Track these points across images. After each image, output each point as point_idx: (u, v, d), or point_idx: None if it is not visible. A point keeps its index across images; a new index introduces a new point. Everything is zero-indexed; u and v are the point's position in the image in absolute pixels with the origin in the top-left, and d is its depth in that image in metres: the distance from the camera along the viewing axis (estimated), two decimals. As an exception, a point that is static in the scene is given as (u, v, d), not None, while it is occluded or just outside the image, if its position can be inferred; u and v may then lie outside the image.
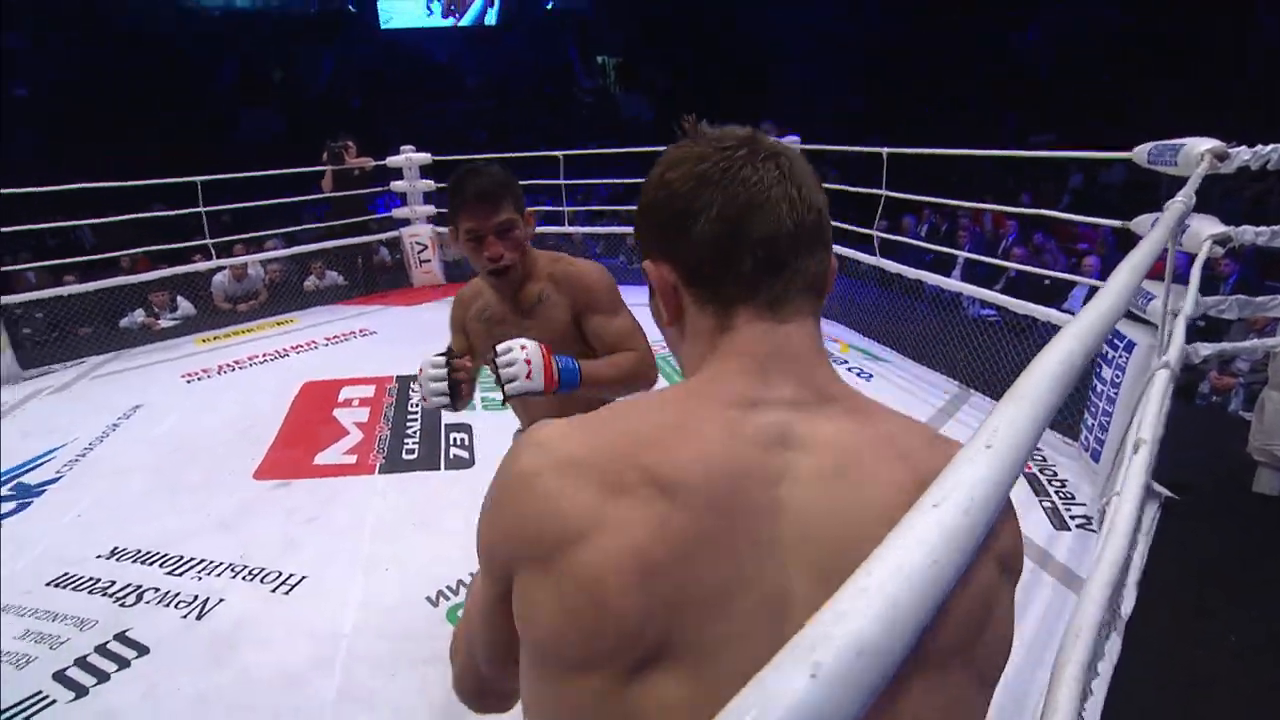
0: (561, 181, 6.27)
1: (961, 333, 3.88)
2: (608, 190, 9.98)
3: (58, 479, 3.17)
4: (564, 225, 6.64)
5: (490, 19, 18.68)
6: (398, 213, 6.54)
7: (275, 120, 16.23)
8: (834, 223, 3.58)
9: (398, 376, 4.11)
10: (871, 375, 3.97)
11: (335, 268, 6.51)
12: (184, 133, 14.48)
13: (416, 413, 3.64)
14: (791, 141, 5.42)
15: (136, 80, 15.69)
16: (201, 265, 5.92)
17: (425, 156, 6.45)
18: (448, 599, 2.27)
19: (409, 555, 2.50)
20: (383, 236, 6.76)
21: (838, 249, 4.85)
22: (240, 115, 16.40)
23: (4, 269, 5.21)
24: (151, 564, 2.51)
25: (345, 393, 3.91)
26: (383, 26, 18.57)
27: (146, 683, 2.00)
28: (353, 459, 3.18)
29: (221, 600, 2.31)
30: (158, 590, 2.37)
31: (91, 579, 2.45)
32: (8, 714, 1.89)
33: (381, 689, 1.93)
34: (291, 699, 1.90)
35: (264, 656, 2.06)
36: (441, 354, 1.48)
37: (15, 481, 3.15)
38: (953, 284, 4.08)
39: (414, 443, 3.32)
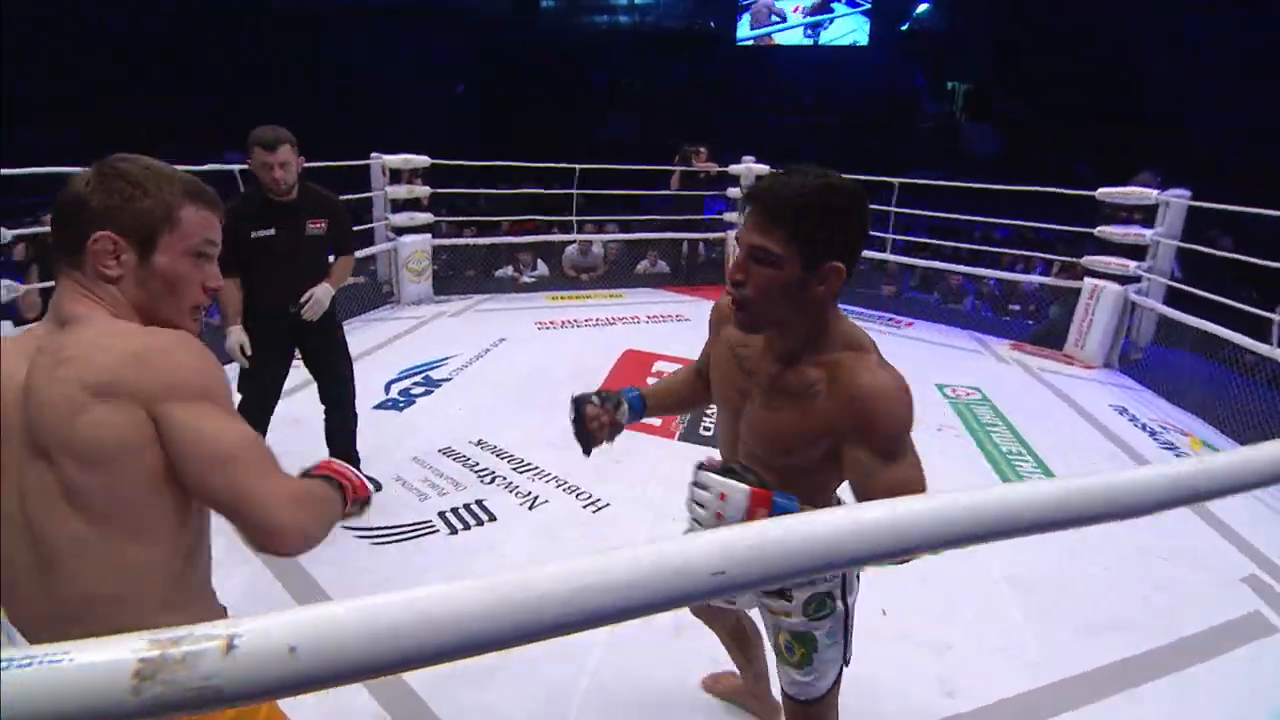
0: (891, 209, 6.22)
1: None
2: (936, 222, 9.52)
3: (450, 379, 4.19)
4: (884, 252, 6.56)
5: (861, 39, 18.75)
6: (728, 216, 7.10)
7: (634, 122, 18.42)
8: (1219, 297, 3.12)
9: (702, 361, 4.55)
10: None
11: (665, 257, 7.29)
12: (564, 127, 17.27)
13: (714, 396, 4.02)
14: (1177, 196, 4.68)
15: (536, 82, 19.07)
16: (557, 237, 7.16)
17: (764, 168, 6.89)
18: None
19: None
20: (709, 236, 7.40)
21: (1214, 328, 4.11)
22: (608, 116, 18.97)
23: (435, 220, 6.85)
24: (503, 458, 3.23)
25: (658, 365, 4.47)
26: (738, 42, 19.74)
27: (491, 540, 2.63)
28: (658, 422, 3.65)
29: (546, 501, 2.90)
30: (505, 479, 3.05)
31: (464, 456, 3.24)
32: (414, 526, 2.64)
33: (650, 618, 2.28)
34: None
35: (568, 550, 2.56)
36: (581, 397, 1.39)
37: (425, 374, 4.24)
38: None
39: (710, 422, 3.69)
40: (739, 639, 1.74)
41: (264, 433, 2.52)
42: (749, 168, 6.85)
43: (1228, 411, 3.95)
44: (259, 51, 17.50)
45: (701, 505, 1.04)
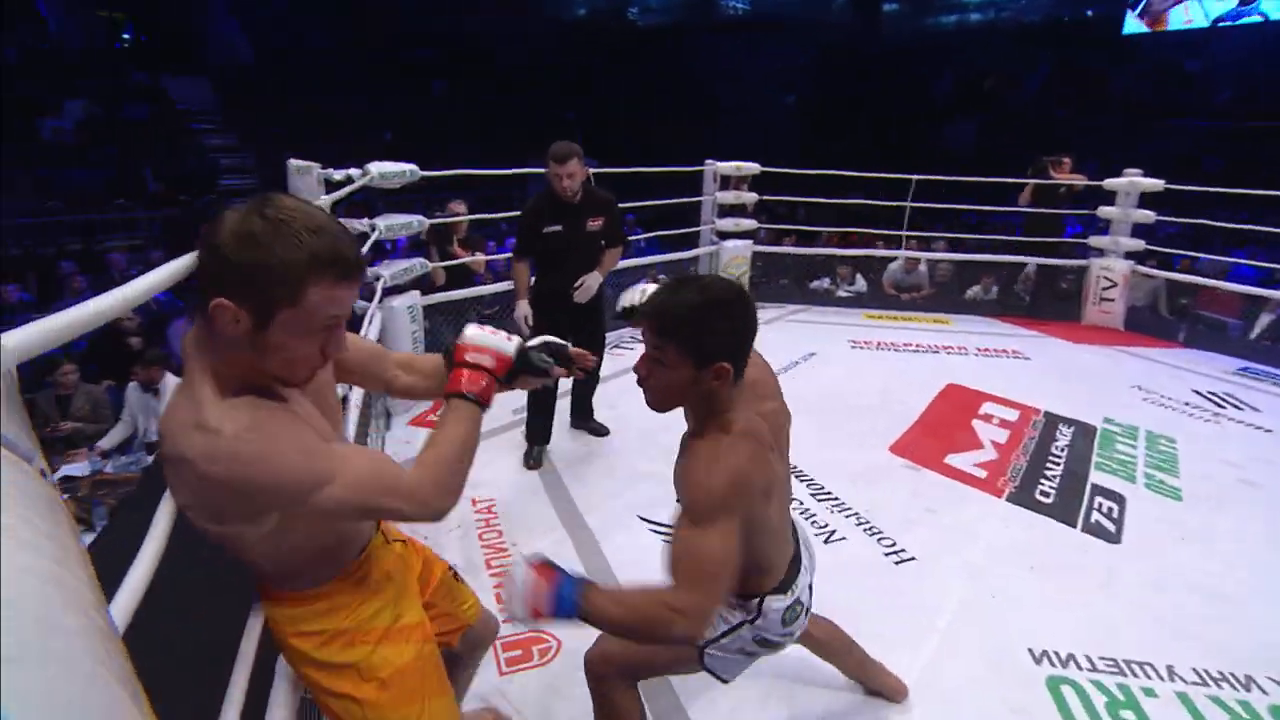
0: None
1: None
2: None
3: (755, 387, 4.15)
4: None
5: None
6: (1094, 241, 5.93)
7: (971, 131, 16.59)
8: None
9: (1046, 412, 3.84)
10: None
11: (1002, 282, 6.39)
12: (899, 137, 16.30)
13: (1060, 458, 3.34)
14: None
15: (871, 91, 18.28)
16: (882, 251, 6.68)
17: (1156, 184, 5.58)
18: (1052, 665, 2.06)
19: (1018, 592, 2.37)
20: (1066, 262, 6.27)
21: None
22: (945, 125, 17.40)
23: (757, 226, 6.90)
24: (802, 481, 3.07)
25: (988, 407, 3.88)
26: (1125, 31, 16.44)
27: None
28: (982, 474, 3.15)
29: (844, 539, 2.67)
30: (803, 504, 2.89)
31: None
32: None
33: (952, 700, 1.92)
34: (873, 654, 2.07)
35: (862, 604, 2.30)
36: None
37: (730, 378, 4.26)
38: None
39: (1051, 486, 3.07)
40: (825, 649, 1.90)
41: (553, 397, 3.19)
42: (1132, 182, 5.61)
43: None
44: (618, 65, 19.70)
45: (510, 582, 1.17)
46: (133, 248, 8.22)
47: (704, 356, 1.18)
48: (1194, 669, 2.07)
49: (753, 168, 5.99)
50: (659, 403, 1.27)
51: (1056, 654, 2.11)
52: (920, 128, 17.30)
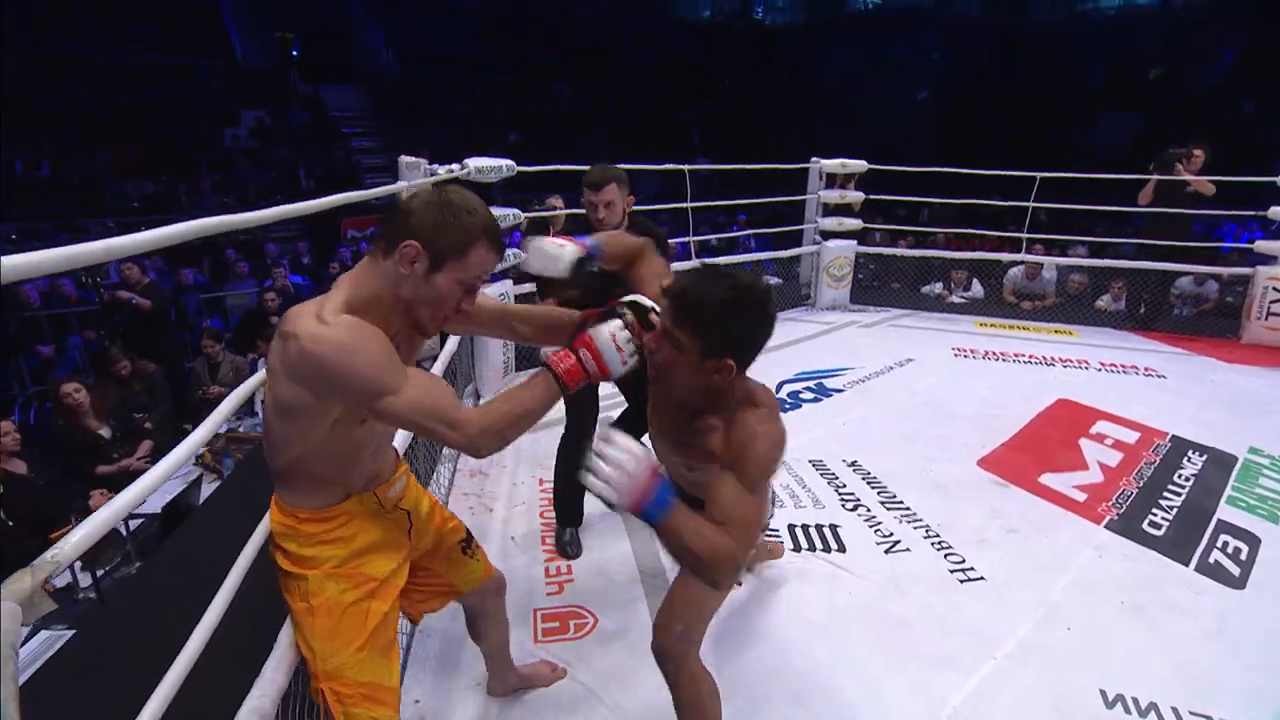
0: None
1: None
2: None
3: (842, 390, 4.01)
4: None
5: None
6: (1260, 246, 5.18)
7: (1134, 123, 14.91)
8: None
9: (1173, 436, 3.41)
10: None
11: (1139, 290, 5.70)
12: (1044, 132, 15.02)
13: (1183, 489, 2.97)
14: None
15: (1014, 84, 16.95)
16: (1000, 255, 6.18)
17: (1343, 181, 4.80)
18: (1128, 712, 1.84)
19: (1101, 630, 2.14)
20: (1224, 271, 5.54)
21: None
22: (1099, 118, 15.80)
23: (866, 227, 6.62)
24: (874, 487, 2.93)
25: (1101, 426, 3.51)
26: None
27: (832, 572, 2.40)
28: (1081, 496, 2.86)
29: (908, 550, 2.52)
30: (869, 510, 2.76)
31: (832, 474, 3.03)
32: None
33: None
34: (912, 674, 1.95)
35: (917, 620, 2.17)
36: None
37: (818, 381, 4.14)
38: None
39: (1165, 517, 2.73)
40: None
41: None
42: (1317, 181, 4.84)
43: None
44: (743, 65, 19.53)
45: (603, 459, 1.13)
46: (285, 239, 9.19)
47: (713, 349, 1.23)
48: (1308, 734, 1.78)
49: (859, 165, 5.76)
50: (660, 376, 1.32)
51: (1135, 700, 1.88)
52: (1069, 123, 15.83)
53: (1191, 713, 1.85)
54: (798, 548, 2.51)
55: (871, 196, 6.01)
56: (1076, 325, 5.49)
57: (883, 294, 6.30)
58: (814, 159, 5.88)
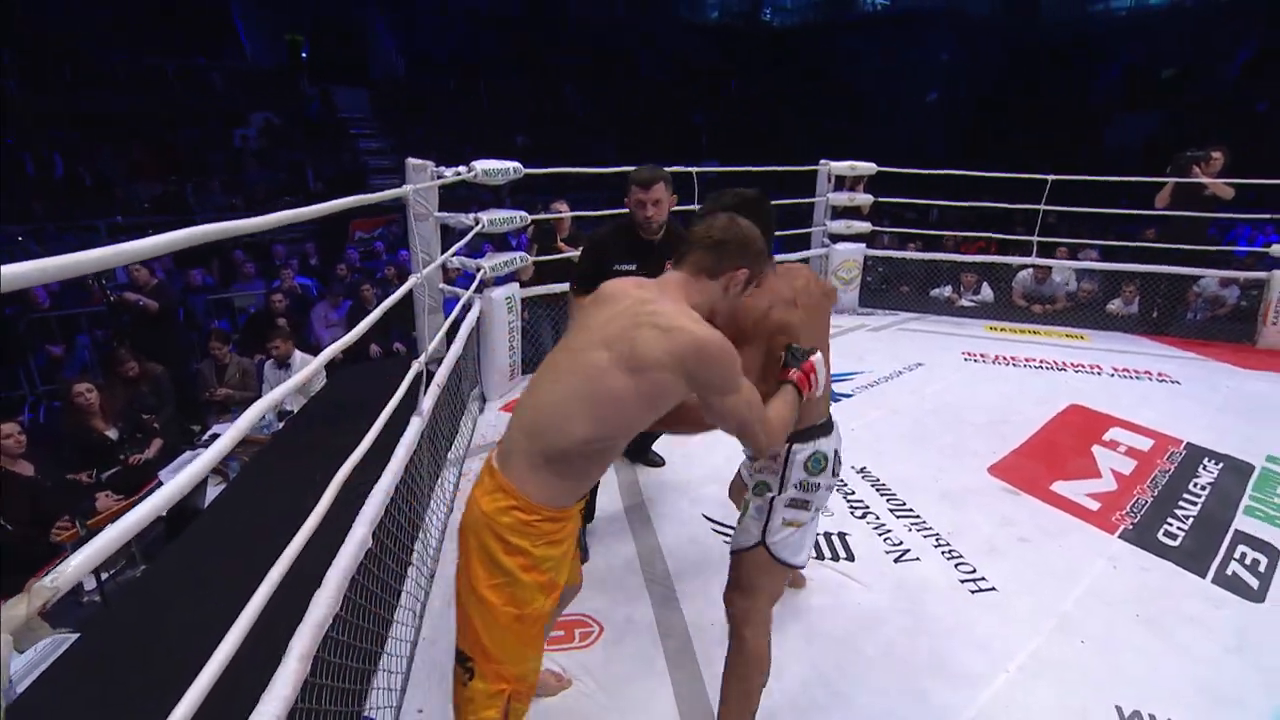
0: None
1: None
2: None
3: (851, 395, 3.97)
4: None
5: None
6: (1277, 250, 5.11)
7: (1152, 124, 14.78)
8: None
9: (1188, 444, 3.37)
10: None
11: (1152, 294, 5.62)
12: (1061, 133, 14.92)
13: (1199, 497, 2.92)
14: None
15: (1030, 84, 16.85)
16: (1008, 259, 6.14)
17: (1362, 185, 4.73)
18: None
19: (1117, 643, 2.10)
20: (1240, 275, 5.47)
21: None
22: (1115, 118, 15.68)
23: (874, 229, 6.57)
24: (883, 495, 2.89)
25: (1114, 433, 3.46)
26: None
27: (841, 581, 2.36)
28: (1094, 505, 2.82)
29: (917, 559, 2.48)
30: (878, 519, 2.72)
31: (841, 480, 2.99)
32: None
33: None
34: (923, 682, 1.93)
35: (920, 627, 2.13)
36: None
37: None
38: None
39: (1181, 527, 2.69)
40: None
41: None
42: (1337, 186, 4.77)
43: None
44: (752, 67, 19.48)
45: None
46: (293, 240, 9.20)
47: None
48: (1329, 753, 1.74)
49: (868, 168, 5.72)
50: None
51: (1152, 717, 1.85)
52: (1082, 125, 15.70)
53: (1209, 729, 1.81)
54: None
55: (880, 199, 5.98)
56: (1088, 329, 5.43)
57: (892, 297, 6.26)
58: (822, 161, 5.84)
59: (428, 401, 2.18)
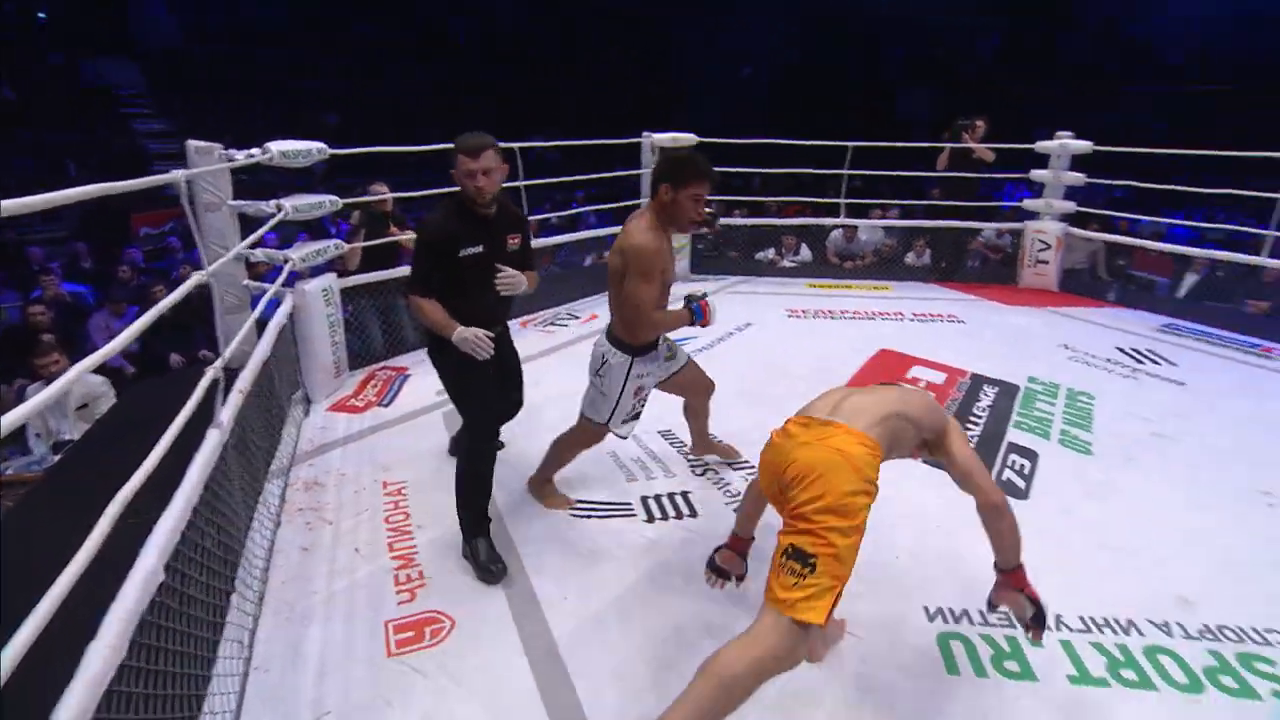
0: (1274, 195, 4.67)
1: None
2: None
3: (684, 360, 4.13)
4: (1261, 255, 4.96)
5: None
6: (1028, 204, 5.98)
7: (926, 99, 16.63)
8: None
9: (972, 374, 3.87)
10: None
11: (940, 247, 6.38)
12: (857, 105, 16.29)
13: (980, 419, 3.38)
14: None
15: (828, 61, 18.21)
16: (821, 220, 6.68)
17: (1085, 145, 5.63)
18: (945, 622, 2.08)
19: (923, 553, 2.39)
20: (1001, 226, 6.32)
21: None
22: (898, 93, 17.45)
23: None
24: (720, 451, 3.05)
25: (916, 371, 3.90)
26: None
27: (685, 537, 2.48)
28: (900, 436, 3.17)
29: (755, 506, 2.66)
30: (717, 474, 2.88)
31: (682, 442, 3.12)
32: (614, 506, 2.61)
33: (845, 663, 1.93)
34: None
35: (764, 569, 2.29)
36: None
37: (661, 351, 4.24)
38: None
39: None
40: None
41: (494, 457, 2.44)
42: (1063, 145, 5.66)
43: None
44: (577, 40, 19.33)
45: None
46: (52, 241, 7.87)
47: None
48: (1080, 617, 2.10)
49: (688, 139, 5.90)
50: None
51: (950, 610, 2.13)
52: (876, 98, 17.32)
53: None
54: (650, 518, 2.57)
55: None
56: (891, 280, 6.05)
57: (721, 262, 6.56)
58: (645, 133, 5.94)
59: (227, 411, 1.96)
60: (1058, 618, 2.09)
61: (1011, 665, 1.93)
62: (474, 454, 2.36)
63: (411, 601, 2.19)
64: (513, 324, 4.70)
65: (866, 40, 18.39)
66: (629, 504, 2.65)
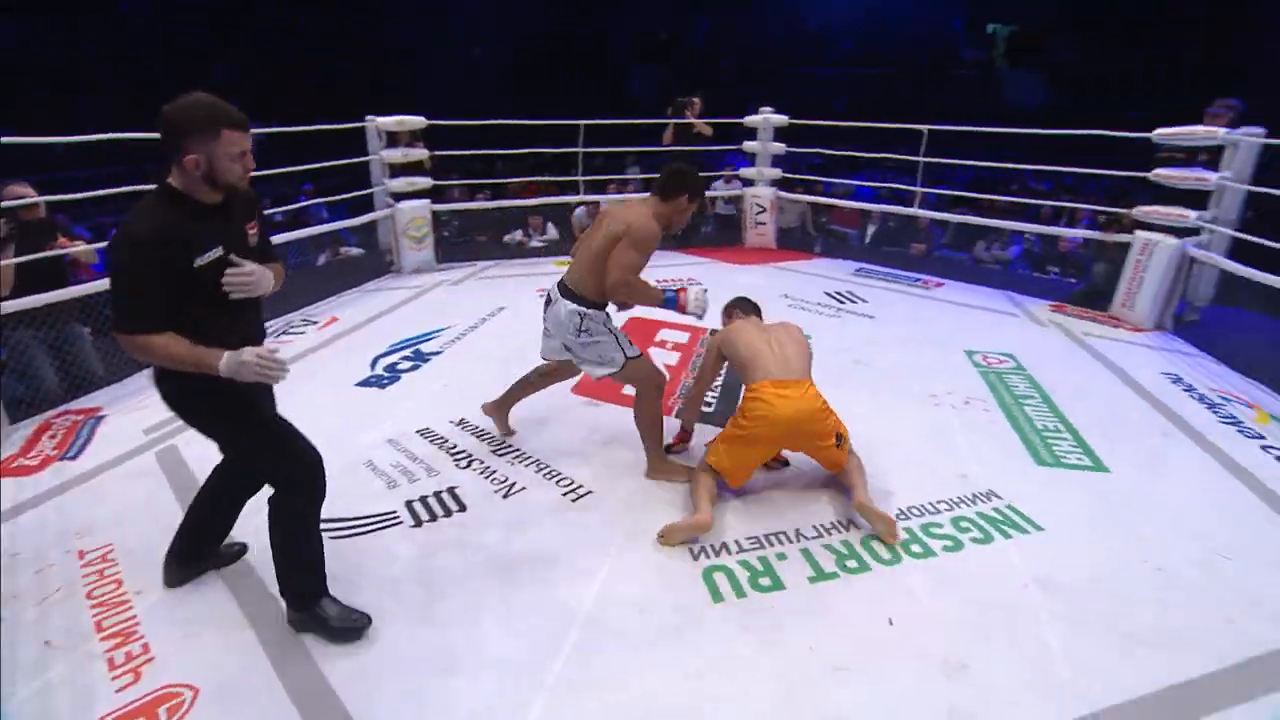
0: (919, 159, 5.75)
1: None
2: (973, 175, 8.95)
3: (440, 353, 3.97)
4: (912, 207, 6.10)
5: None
6: (745, 172, 6.67)
7: (662, 75, 17.74)
8: None
9: (711, 330, 4.24)
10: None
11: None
12: (589, 83, 16.75)
13: (723, 370, 3.71)
14: (1250, 134, 4.19)
15: (558, 40, 18.49)
16: (564, 198, 6.83)
17: (781, 119, 6.43)
18: (708, 557, 2.28)
19: (685, 503, 2.58)
20: (724, 193, 6.98)
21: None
22: (633, 70, 18.38)
23: (438, 183, 6.55)
24: (483, 439, 3.00)
25: (663, 334, 4.18)
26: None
27: (457, 533, 2.40)
28: (654, 397, 3.37)
29: (524, 489, 2.66)
30: (482, 463, 2.82)
31: (441, 438, 3.01)
32: (378, 518, 2.44)
33: (624, 617, 2.03)
34: (549, 599, 2.11)
35: (539, 548, 2.32)
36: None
37: (414, 348, 4.02)
38: None
39: (713, 397, 3.41)
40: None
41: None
42: (766, 119, 6.40)
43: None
44: (282, 11, 17.21)
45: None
46: None
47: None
48: (813, 526, 2.43)
49: (417, 121, 5.62)
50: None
51: (711, 547, 2.33)
52: (606, 76, 18.01)
53: (746, 538, 2.36)
54: (418, 522, 2.45)
55: (439, 153, 5.96)
56: (634, 252, 6.37)
57: (469, 249, 6.40)
58: (368, 117, 5.53)
59: None
60: (797, 530, 2.40)
61: (764, 581, 2.18)
62: (296, 512, 1.91)
63: (137, 683, 1.83)
64: (235, 339, 4.16)
65: (596, 19, 18.95)
66: (393, 512, 2.50)
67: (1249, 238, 4.19)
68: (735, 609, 2.07)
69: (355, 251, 6.56)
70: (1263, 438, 3.12)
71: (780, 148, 6.52)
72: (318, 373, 3.70)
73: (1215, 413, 3.35)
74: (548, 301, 2.74)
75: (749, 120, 6.50)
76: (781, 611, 2.06)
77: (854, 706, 1.75)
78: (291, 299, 4.76)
